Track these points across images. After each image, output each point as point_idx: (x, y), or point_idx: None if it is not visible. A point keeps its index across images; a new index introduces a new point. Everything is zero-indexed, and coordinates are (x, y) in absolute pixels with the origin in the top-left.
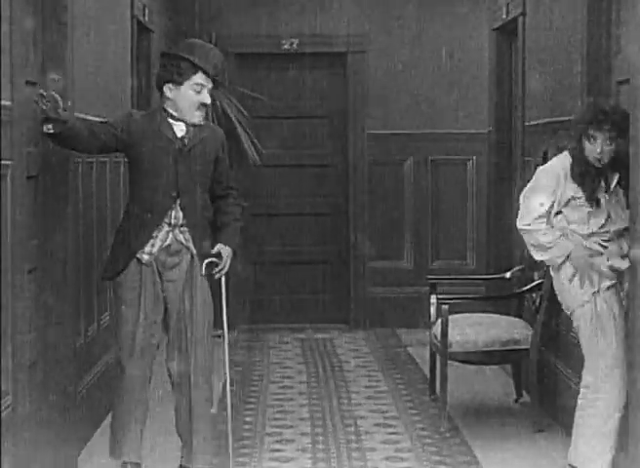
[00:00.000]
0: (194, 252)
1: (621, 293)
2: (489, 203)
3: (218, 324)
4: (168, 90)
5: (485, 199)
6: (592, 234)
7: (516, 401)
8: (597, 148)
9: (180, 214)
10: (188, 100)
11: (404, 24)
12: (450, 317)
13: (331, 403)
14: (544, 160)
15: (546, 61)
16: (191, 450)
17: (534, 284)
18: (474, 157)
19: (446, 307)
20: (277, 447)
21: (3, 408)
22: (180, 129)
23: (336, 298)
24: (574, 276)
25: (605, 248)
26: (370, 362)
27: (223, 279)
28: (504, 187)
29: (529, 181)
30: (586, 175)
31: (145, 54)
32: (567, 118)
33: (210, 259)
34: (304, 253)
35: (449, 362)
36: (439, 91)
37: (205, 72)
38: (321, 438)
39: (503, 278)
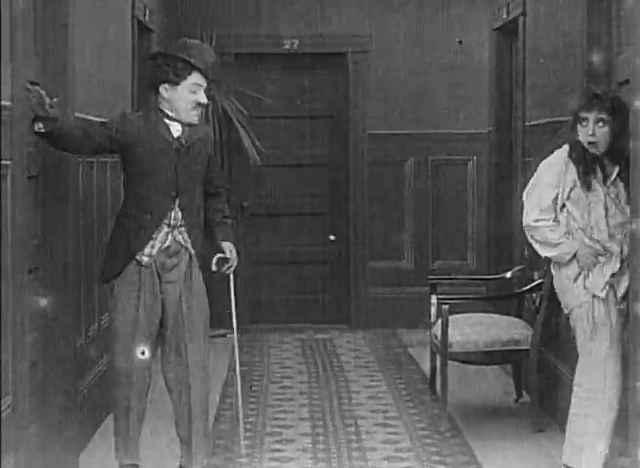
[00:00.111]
0: (192, 252)
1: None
2: (489, 203)
3: (225, 322)
4: (164, 90)
5: (485, 199)
6: (593, 230)
7: (516, 401)
8: (589, 130)
9: (180, 214)
10: (185, 100)
11: (404, 24)
12: (450, 317)
13: (331, 403)
14: None
15: (546, 62)
16: (191, 451)
17: (534, 284)
18: (474, 157)
19: (446, 307)
20: (277, 447)
21: (3, 408)
22: (175, 129)
23: (336, 298)
24: (579, 275)
25: (606, 249)
26: (370, 362)
27: (232, 276)
28: (505, 187)
29: (530, 179)
30: (582, 160)
31: (146, 54)
32: (567, 118)
33: (220, 255)
34: (304, 253)
35: (449, 362)
36: (439, 91)
37: (201, 72)
38: (321, 438)
39: (504, 278)
